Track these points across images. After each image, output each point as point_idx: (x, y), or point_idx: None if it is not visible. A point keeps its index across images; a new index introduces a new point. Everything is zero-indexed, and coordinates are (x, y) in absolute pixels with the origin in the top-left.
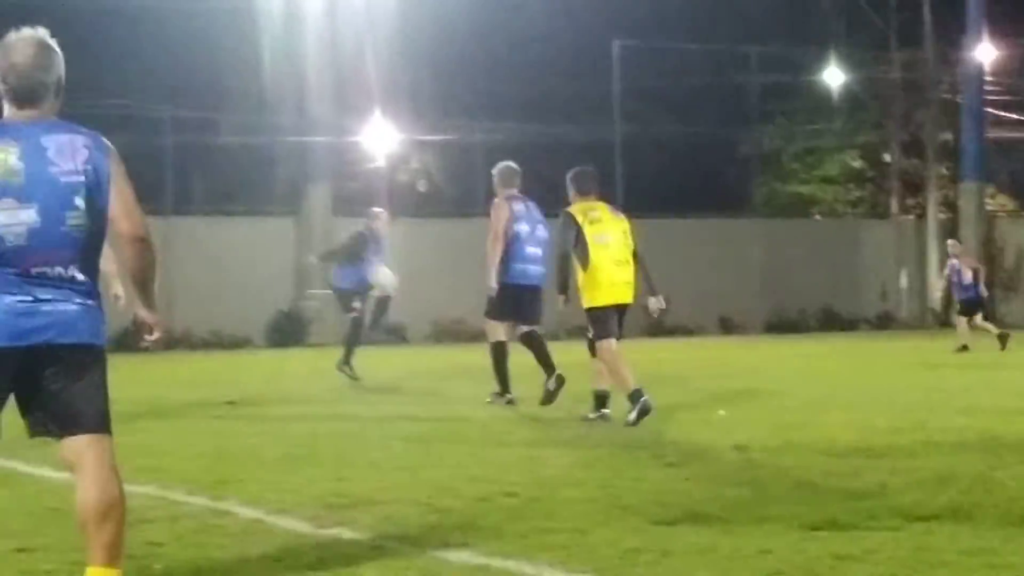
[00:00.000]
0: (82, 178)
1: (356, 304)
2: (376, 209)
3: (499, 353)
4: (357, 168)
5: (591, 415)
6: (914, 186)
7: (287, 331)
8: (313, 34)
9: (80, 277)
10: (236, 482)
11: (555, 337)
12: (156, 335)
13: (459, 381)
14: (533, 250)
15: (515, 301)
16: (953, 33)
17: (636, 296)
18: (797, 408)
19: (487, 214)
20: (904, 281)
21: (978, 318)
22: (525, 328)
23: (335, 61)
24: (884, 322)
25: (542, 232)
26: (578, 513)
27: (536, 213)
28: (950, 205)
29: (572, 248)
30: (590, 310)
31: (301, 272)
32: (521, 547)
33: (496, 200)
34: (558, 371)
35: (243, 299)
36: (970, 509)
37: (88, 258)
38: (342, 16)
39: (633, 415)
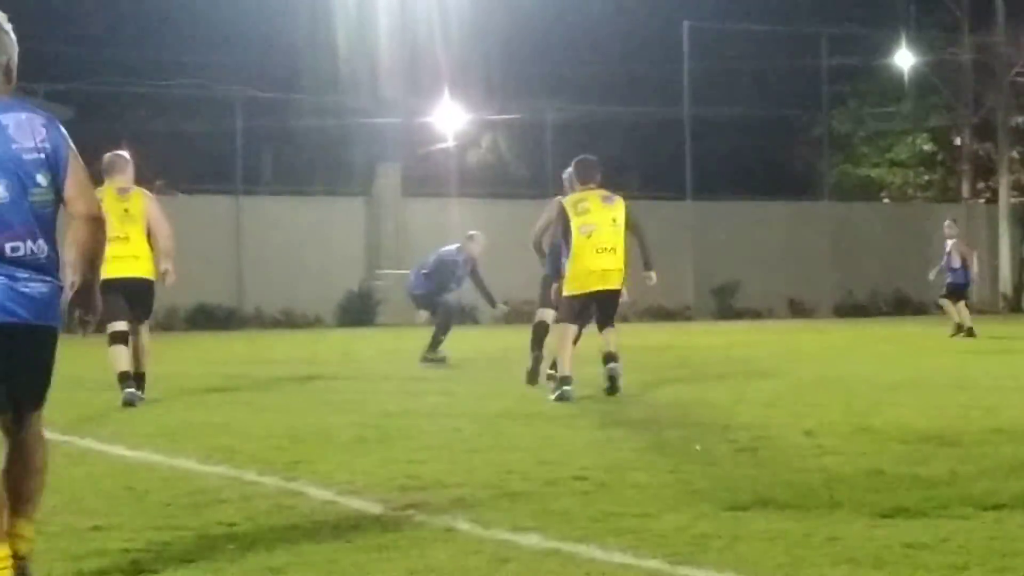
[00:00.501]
0: (42, 156)
1: (444, 298)
2: (473, 232)
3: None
4: (427, 148)
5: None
6: (985, 170)
7: (357, 311)
8: (385, 15)
9: (47, 253)
10: (308, 463)
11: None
12: (92, 319)
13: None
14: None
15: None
16: None
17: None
18: (867, 393)
19: (556, 194)
20: (975, 266)
21: (960, 304)
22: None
23: (406, 42)
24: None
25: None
26: (648, 497)
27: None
28: (1022, 189)
29: (560, 238)
30: (565, 296)
31: (372, 253)
32: (591, 531)
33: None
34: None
35: (314, 279)
36: None
37: (50, 234)
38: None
39: (552, 396)
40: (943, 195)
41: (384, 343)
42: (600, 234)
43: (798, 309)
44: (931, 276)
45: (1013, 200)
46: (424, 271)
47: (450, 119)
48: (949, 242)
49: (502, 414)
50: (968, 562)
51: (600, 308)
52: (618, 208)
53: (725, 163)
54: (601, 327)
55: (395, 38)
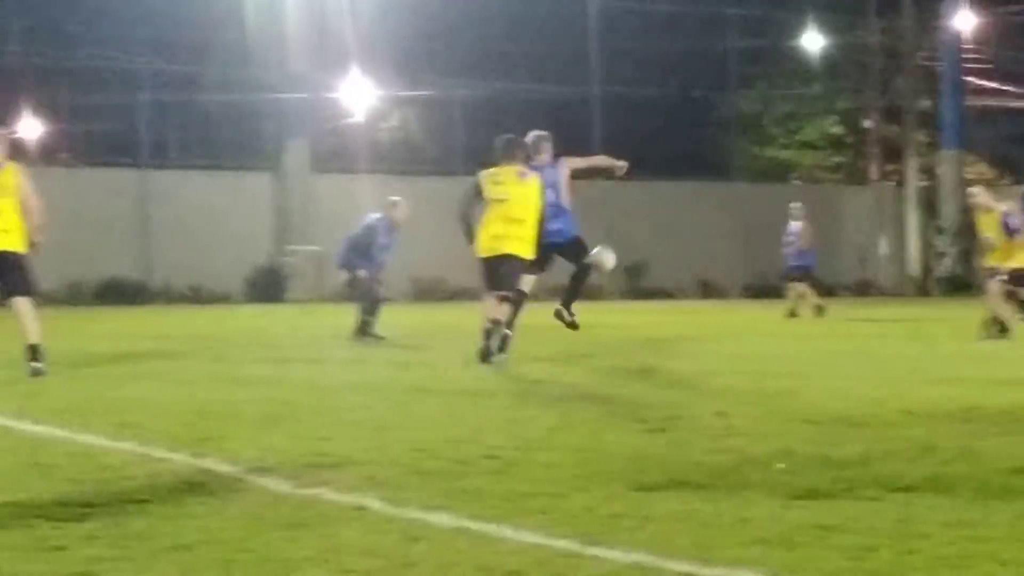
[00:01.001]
0: None
1: (361, 273)
2: (395, 198)
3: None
4: (337, 124)
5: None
6: (893, 153)
7: (266, 287)
8: None
9: None
10: (217, 439)
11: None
12: None
13: (439, 341)
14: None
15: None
16: (932, 0)
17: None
18: (779, 375)
19: (466, 172)
20: (883, 248)
21: (801, 285)
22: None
23: (316, 17)
24: (863, 288)
25: (549, 194)
26: (559, 477)
27: (547, 177)
28: (929, 172)
29: (468, 206)
30: (479, 259)
31: (280, 228)
32: (502, 510)
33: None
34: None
35: (222, 254)
36: (951, 480)
37: None
38: None
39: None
40: (851, 177)
41: (294, 319)
42: (513, 204)
43: (708, 289)
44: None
45: (920, 183)
46: (349, 242)
47: (360, 95)
48: (795, 224)
49: (413, 391)
50: (877, 543)
51: (503, 274)
52: (531, 185)
53: (634, 143)
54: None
55: (305, 12)
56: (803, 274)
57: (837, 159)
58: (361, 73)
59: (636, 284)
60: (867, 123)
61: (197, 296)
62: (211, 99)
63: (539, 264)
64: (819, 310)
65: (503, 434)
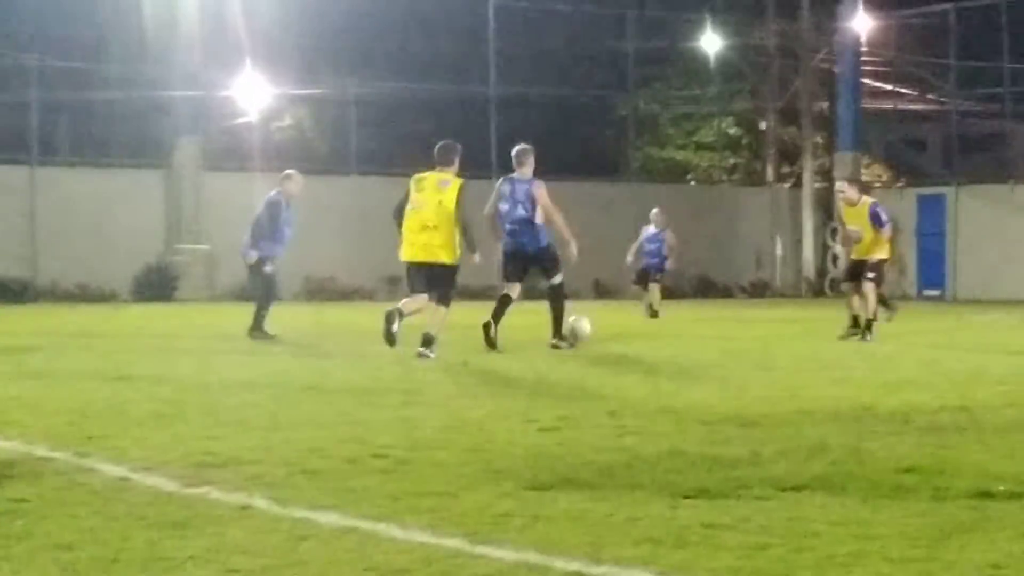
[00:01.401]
0: None
1: (267, 268)
2: (289, 171)
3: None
4: (228, 122)
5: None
6: (790, 154)
7: (156, 286)
8: None
9: None
10: (102, 438)
11: None
12: None
13: (330, 339)
14: (510, 225)
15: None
16: (829, 2)
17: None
18: (672, 375)
19: (360, 171)
20: (779, 249)
21: (653, 285)
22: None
23: (210, 15)
24: (759, 290)
25: (520, 211)
26: (449, 476)
27: (519, 191)
28: (825, 174)
29: (400, 208)
30: (403, 262)
31: (171, 227)
32: (391, 510)
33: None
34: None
35: (112, 253)
36: (841, 480)
37: None
38: None
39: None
40: (748, 179)
41: (183, 318)
42: (426, 212)
43: (604, 290)
44: (630, 258)
45: (816, 185)
46: (256, 225)
47: (253, 93)
48: (652, 228)
49: (303, 390)
50: (768, 542)
51: (424, 280)
52: (449, 192)
53: (531, 143)
54: (436, 302)
55: (199, 10)
56: (659, 275)
57: (734, 160)
58: (255, 71)
59: (531, 284)
60: (764, 124)
61: (85, 294)
62: (104, 96)
63: (516, 274)
64: (654, 312)
65: (393, 433)
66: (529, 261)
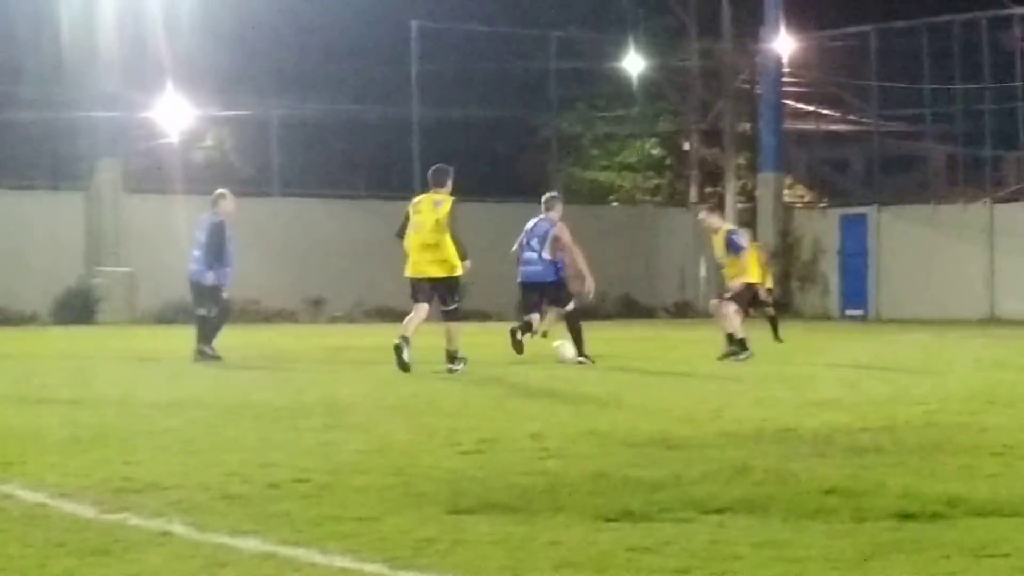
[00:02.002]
0: None
1: (225, 295)
2: (221, 190)
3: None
4: (149, 143)
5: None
6: (713, 175)
7: (76, 308)
8: (107, 8)
9: None
10: (19, 464)
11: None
12: None
13: (253, 362)
14: (528, 253)
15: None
16: (751, 24)
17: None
18: (594, 397)
19: (282, 193)
20: (703, 270)
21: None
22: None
23: (128, 35)
24: (682, 310)
25: (535, 243)
26: (370, 500)
27: (538, 229)
28: (748, 195)
29: (401, 231)
30: (407, 278)
31: (91, 249)
32: (312, 535)
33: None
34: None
35: (31, 275)
36: (764, 501)
37: None
38: None
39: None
40: (671, 199)
41: (103, 341)
42: (425, 231)
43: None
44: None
45: (739, 205)
46: (200, 252)
47: (174, 114)
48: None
49: (223, 414)
50: (690, 565)
51: (435, 292)
52: (442, 210)
53: (454, 164)
54: (443, 318)
55: (118, 30)
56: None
57: (657, 181)
58: (176, 92)
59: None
60: (687, 145)
61: (4, 317)
62: (23, 118)
63: (534, 305)
64: (545, 335)
65: (315, 457)
66: (541, 292)
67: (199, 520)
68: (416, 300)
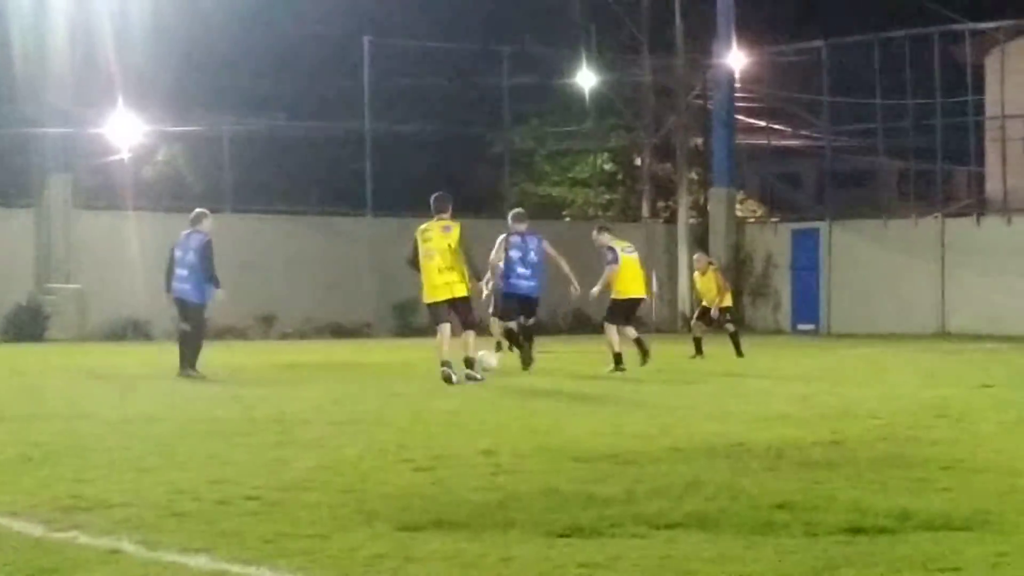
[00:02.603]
0: None
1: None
2: (199, 210)
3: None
4: (100, 160)
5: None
6: (665, 190)
7: (26, 326)
8: (58, 23)
9: None
10: None
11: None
12: None
13: (203, 380)
14: (523, 270)
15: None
16: (704, 39)
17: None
18: (546, 412)
19: (234, 209)
20: (655, 284)
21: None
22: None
23: (79, 51)
24: (634, 325)
25: (533, 257)
26: (321, 518)
27: (531, 243)
28: (700, 210)
29: (414, 259)
30: (427, 304)
31: (41, 266)
32: (262, 553)
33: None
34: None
35: None
36: (715, 517)
37: None
38: (87, 5)
39: (457, 378)
40: (623, 214)
41: (53, 358)
42: (439, 257)
43: (479, 326)
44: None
45: (691, 220)
46: (187, 271)
47: (125, 130)
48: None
49: (174, 432)
50: None
51: (447, 310)
52: (453, 235)
53: (406, 179)
54: (463, 328)
55: (69, 46)
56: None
57: (609, 196)
58: (127, 108)
59: (405, 321)
60: (639, 160)
61: None
62: None
63: (517, 315)
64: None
65: (265, 474)
66: (526, 302)
67: (149, 538)
68: (438, 322)
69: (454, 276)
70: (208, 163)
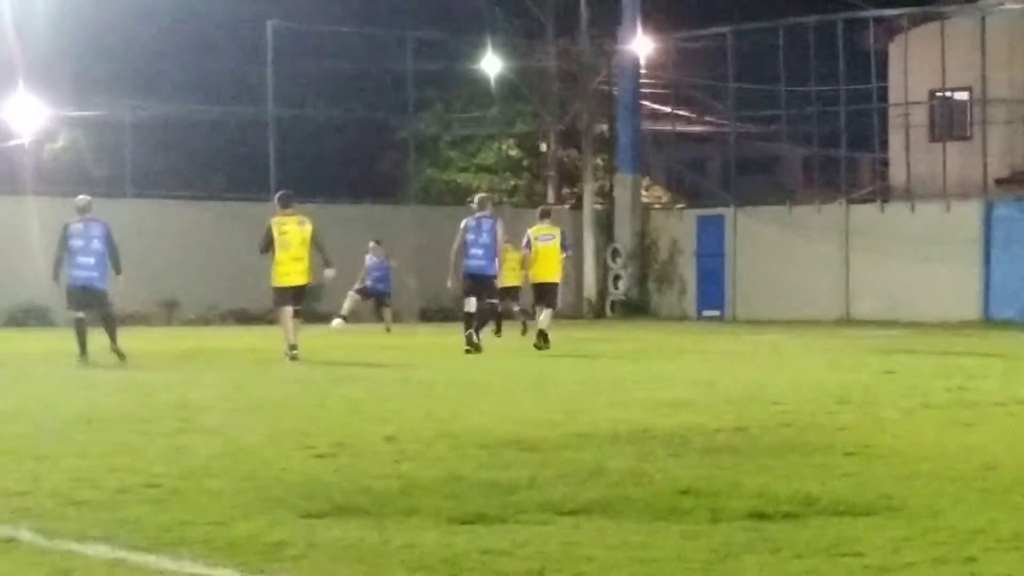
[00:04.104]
0: None
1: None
2: (87, 197)
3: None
4: (1, 144)
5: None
6: (571, 176)
7: None
8: None
9: None
10: None
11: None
12: None
13: (104, 366)
14: (475, 250)
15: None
16: (609, 25)
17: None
18: (450, 399)
19: (136, 194)
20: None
21: (386, 309)
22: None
23: None
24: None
25: (485, 238)
26: (222, 505)
27: (484, 225)
28: (606, 196)
29: (267, 247)
30: (273, 288)
31: None
32: (162, 540)
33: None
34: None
35: None
36: (619, 503)
37: None
38: None
39: (287, 358)
40: (529, 200)
41: None
42: (294, 247)
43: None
44: (357, 285)
45: (597, 206)
46: (94, 258)
47: (26, 115)
48: (374, 257)
49: (72, 419)
50: (544, 567)
51: (295, 298)
52: (306, 230)
53: (311, 164)
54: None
55: None
56: (388, 298)
57: (515, 182)
58: (28, 92)
59: (310, 308)
60: (544, 147)
61: None
62: None
63: (477, 295)
64: (388, 329)
65: (166, 462)
66: (482, 282)
67: (46, 527)
68: (282, 305)
69: (303, 266)
70: (110, 148)
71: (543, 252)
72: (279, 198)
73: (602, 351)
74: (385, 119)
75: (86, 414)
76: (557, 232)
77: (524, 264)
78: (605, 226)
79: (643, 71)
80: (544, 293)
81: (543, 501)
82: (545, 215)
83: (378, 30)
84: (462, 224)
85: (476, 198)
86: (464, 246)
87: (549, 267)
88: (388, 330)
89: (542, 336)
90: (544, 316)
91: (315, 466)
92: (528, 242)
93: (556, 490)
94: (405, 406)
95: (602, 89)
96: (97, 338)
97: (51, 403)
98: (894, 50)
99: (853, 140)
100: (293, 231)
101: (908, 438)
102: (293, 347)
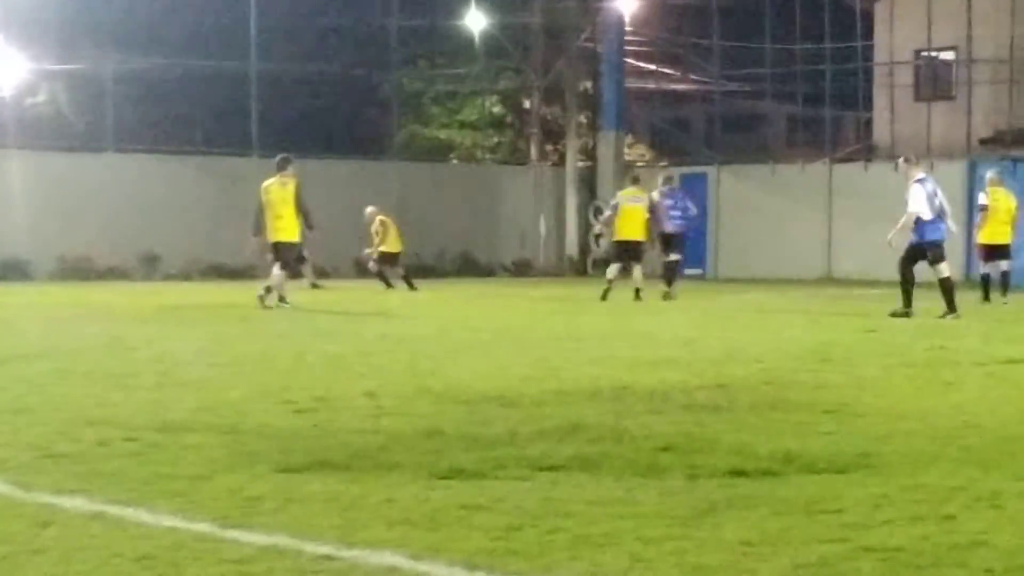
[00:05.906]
0: None
1: None
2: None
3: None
4: None
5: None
6: (554, 133)
7: None
8: None
9: None
10: None
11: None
12: None
13: (84, 320)
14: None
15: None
16: None
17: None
18: (431, 355)
19: (117, 148)
20: (543, 228)
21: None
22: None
23: None
24: (522, 269)
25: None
26: (201, 459)
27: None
28: (589, 153)
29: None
30: (272, 243)
31: None
32: (140, 494)
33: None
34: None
35: None
36: (598, 459)
37: None
38: None
39: (271, 302)
40: (512, 157)
41: None
42: (277, 206)
43: (362, 268)
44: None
45: (579, 164)
46: None
47: (6, 68)
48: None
49: (52, 373)
50: (522, 523)
51: (278, 252)
52: (288, 190)
53: (293, 120)
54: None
55: None
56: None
57: (498, 139)
58: (8, 45)
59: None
60: (528, 103)
61: None
62: None
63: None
64: (315, 286)
65: (145, 415)
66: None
67: (24, 479)
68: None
69: (281, 223)
70: (91, 102)
71: (630, 212)
72: (277, 162)
73: (583, 309)
74: (368, 75)
75: (66, 367)
76: (645, 196)
77: (608, 222)
78: (588, 184)
79: (628, 28)
80: (630, 250)
81: (522, 457)
82: (635, 181)
83: None
84: (655, 195)
85: (662, 177)
86: (664, 211)
87: (635, 226)
88: (314, 286)
89: (637, 293)
90: (637, 273)
91: (295, 421)
92: (615, 204)
93: (535, 446)
94: (385, 362)
95: (587, 46)
96: (72, 289)
97: (30, 356)
98: (880, 9)
99: (837, 99)
100: (275, 191)
101: (888, 396)
102: (281, 298)
